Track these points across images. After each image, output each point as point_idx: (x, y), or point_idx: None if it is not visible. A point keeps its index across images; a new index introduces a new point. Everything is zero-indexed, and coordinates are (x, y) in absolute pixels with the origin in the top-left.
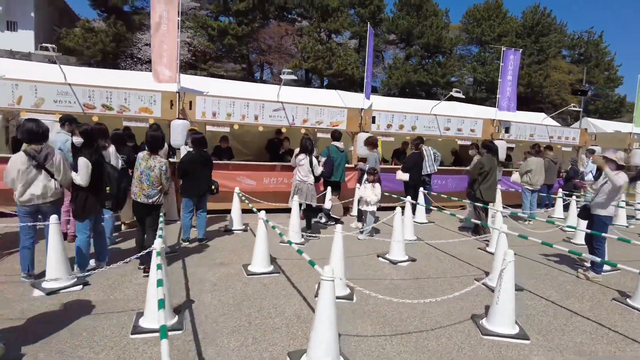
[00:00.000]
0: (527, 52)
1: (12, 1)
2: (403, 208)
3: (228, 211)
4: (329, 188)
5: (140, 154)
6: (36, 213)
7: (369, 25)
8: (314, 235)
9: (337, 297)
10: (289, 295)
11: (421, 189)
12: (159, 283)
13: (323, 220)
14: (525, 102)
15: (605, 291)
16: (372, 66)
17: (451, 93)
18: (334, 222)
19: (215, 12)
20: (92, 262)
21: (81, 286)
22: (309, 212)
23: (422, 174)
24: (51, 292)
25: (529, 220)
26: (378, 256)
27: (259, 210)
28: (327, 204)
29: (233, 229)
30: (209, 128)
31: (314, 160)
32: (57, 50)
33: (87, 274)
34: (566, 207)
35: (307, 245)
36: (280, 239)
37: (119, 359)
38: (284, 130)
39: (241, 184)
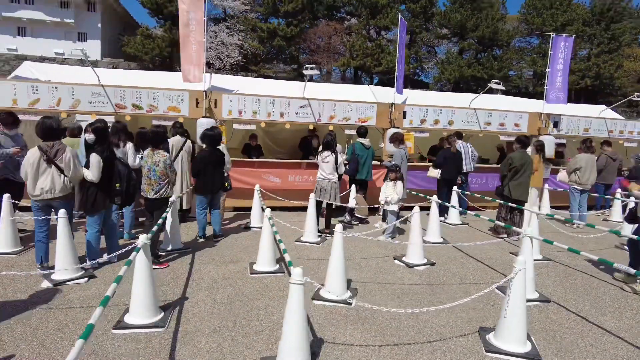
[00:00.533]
0: (595, 41)
1: (82, 14)
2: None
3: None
4: (353, 186)
5: (145, 152)
6: (48, 208)
7: (399, 15)
8: (331, 235)
9: (334, 301)
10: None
11: (455, 188)
12: (117, 279)
13: (347, 219)
14: (592, 96)
15: None
16: (404, 59)
17: (490, 85)
18: (358, 222)
19: (265, 14)
20: (105, 256)
21: (87, 279)
22: (330, 211)
23: (461, 172)
24: (58, 284)
25: (578, 224)
26: (394, 258)
27: (270, 207)
28: (351, 203)
29: (252, 226)
30: (235, 126)
31: (339, 157)
32: (120, 57)
33: (90, 263)
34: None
35: (323, 245)
36: (297, 237)
37: (93, 352)
38: (311, 127)
39: (266, 182)
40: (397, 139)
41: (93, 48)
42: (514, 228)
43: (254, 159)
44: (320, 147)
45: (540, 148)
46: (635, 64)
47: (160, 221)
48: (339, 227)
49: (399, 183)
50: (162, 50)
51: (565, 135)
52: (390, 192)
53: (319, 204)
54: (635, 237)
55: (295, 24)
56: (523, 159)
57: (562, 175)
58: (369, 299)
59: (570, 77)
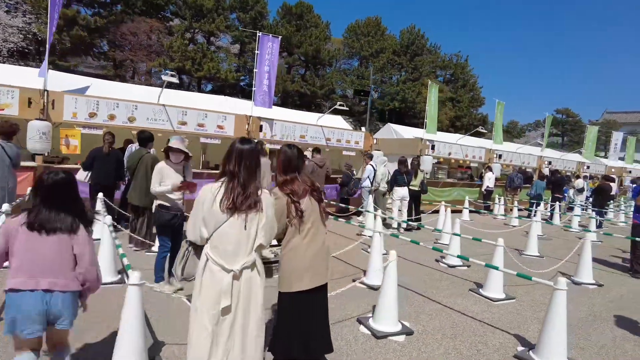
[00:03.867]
0: (403, 69)
1: None
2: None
3: None
4: None
5: None
6: None
7: None
8: None
9: None
10: None
11: (100, 194)
12: None
13: None
14: (400, 117)
15: None
16: (51, 39)
17: (163, 77)
18: None
19: None
20: None
21: None
22: None
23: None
24: None
25: None
26: None
27: None
28: None
29: None
30: None
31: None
32: None
33: None
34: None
35: None
36: None
37: None
38: None
39: None
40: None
41: None
42: (134, 235)
43: None
44: None
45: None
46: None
47: None
48: None
49: None
50: None
51: (279, 141)
52: None
53: None
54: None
55: (104, 15)
56: (135, 157)
57: None
58: None
59: (381, 100)
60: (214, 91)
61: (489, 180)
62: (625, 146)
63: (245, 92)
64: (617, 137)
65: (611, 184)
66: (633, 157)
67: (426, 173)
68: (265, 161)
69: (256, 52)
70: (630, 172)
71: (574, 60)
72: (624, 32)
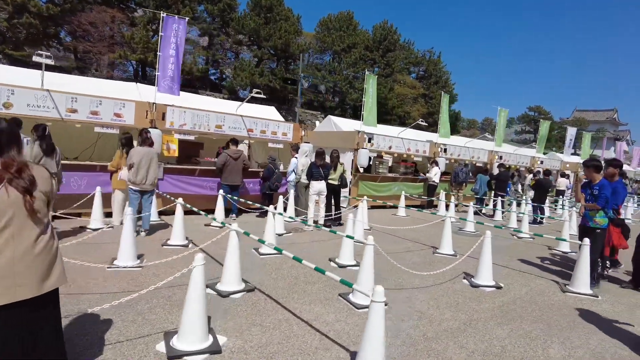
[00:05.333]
0: (375, 65)
1: None
2: None
3: None
4: None
5: None
6: None
7: None
8: None
9: None
10: None
11: None
12: None
13: None
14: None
15: None
16: None
17: (35, 58)
18: None
19: None
20: None
21: None
22: None
23: None
24: None
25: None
26: None
27: None
28: None
29: None
30: None
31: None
32: None
33: None
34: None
35: None
36: None
37: None
38: None
39: None
40: None
41: None
42: None
43: None
44: None
45: (126, 142)
46: (403, 88)
47: None
48: None
49: None
50: None
51: (188, 131)
52: None
53: None
54: None
55: (58, 2)
56: None
57: (124, 172)
58: None
59: (354, 95)
60: (182, 85)
61: (435, 174)
62: (581, 142)
63: (215, 86)
64: (571, 132)
65: (564, 179)
66: (588, 153)
67: (345, 167)
68: (150, 150)
69: (160, 34)
70: None
71: (552, 60)
72: (595, 34)
